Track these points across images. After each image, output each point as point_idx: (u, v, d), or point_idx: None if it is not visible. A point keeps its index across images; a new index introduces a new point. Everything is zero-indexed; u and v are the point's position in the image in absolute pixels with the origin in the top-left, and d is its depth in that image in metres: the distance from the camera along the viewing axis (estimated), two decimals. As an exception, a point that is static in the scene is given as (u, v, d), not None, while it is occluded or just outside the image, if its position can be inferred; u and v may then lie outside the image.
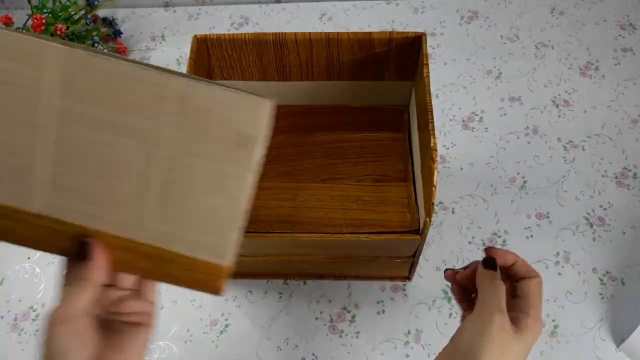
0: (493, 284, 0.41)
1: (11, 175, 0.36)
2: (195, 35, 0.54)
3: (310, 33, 0.54)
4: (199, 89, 0.34)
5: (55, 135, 0.35)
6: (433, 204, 0.45)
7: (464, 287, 0.45)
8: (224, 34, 0.55)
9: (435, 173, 0.44)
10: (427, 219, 0.46)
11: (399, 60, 0.57)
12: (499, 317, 0.39)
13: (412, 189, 0.59)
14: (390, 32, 0.54)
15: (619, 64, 0.81)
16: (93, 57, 0.35)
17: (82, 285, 0.35)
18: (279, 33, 0.54)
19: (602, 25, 0.85)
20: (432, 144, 0.45)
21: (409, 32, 0.54)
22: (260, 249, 0.54)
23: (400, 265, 0.59)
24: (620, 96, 0.77)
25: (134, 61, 0.34)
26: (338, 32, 0.54)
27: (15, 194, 0.36)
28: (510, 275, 0.43)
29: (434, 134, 0.46)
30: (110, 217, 0.36)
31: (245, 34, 0.55)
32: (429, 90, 0.49)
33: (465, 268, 0.45)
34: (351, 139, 0.64)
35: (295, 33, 0.54)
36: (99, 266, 0.36)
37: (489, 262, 0.43)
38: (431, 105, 0.48)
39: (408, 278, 0.63)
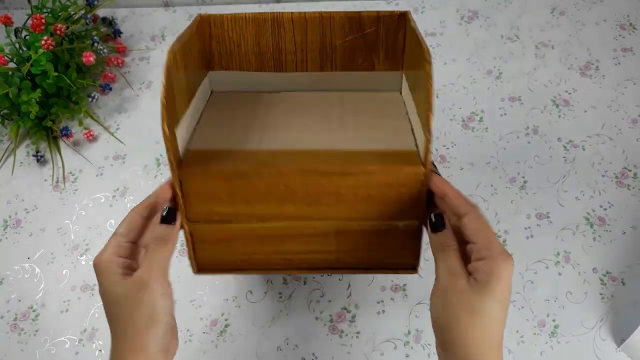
0: (444, 254, 0.43)
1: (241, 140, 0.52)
2: (199, 14, 0.55)
3: (305, 12, 0.56)
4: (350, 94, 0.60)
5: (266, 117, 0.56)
6: (431, 131, 0.43)
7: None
8: (227, 14, 0.56)
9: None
10: (427, 151, 0.44)
11: (387, 44, 0.58)
12: (452, 284, 0.40)
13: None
14: (377, 12, 0.56)
15: (619, 64, 0.81)
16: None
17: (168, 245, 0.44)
18: (277, 12, 0.56)
19: (602, 25, 0.85)
20: (429, 115, 0.43)
21: (394, 11, 0.56)
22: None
23: (403, 242, 0.53)
24: (620, 96, 0.77)
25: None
26: (330, 12, 0.56)
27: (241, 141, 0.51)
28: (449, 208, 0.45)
29: (430, 105, 0.43)
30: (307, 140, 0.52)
31: (245, 13, 0.56)
32: (429, 57, 0.45)
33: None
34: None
35: (292, 12, 0.56)
36: (178, 229, 0.46)
37: (436, 223, 0.45)
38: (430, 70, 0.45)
39: (414, 268, 0.55)
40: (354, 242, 0.54)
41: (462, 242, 0.43)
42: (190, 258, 0.53)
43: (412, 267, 0.55)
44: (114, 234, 0.44)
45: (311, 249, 0.55)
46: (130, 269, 0.43)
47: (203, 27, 0.56)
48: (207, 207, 0.50)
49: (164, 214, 0.45)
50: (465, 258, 0.43)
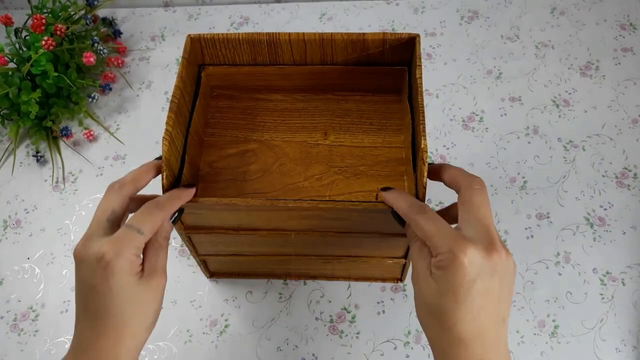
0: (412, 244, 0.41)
1: None
2: (189, 35, 0.54)
3: (304, 33, 0.53)
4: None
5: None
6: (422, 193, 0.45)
7: None
8: (218, 34, 0.54)
9: (425, 175, 0.44)
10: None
11: (393, 63, 0.56)
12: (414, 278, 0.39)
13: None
14: (384, 33, 0.53)
15: (619, 63, 0.81)
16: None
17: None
18: (273, 33, 0.53)
19: (602, 25, 0.85)
20: (422, 146, 0.45)
21: (402, 33, 0.53)
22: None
23: (391, 267, 0.59)
24: (620, 96, 0.77)
25: None
26: (332, 33, 0.53)
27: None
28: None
29: (424, 136, 0.45)
30: None
31: (239, 33, 0.54)
32: (422, 91, 0.49)
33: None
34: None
35: (289, 33, 0.53)
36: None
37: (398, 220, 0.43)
38: (423, 107, 0.47)
39: (400, 279, 0.63)
40: (348, 266, 0.61)
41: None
42: (203, 270, 0.63)
43: (398, 280, 0.65)
44: (137, 231, 0.40)
45: (310, 267, 0.63)
46: (139, 266, 0.41)
47: (194, 47, 0.54)
48: (215, 249, 0.57)
49: (176, 215, 0.45)
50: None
